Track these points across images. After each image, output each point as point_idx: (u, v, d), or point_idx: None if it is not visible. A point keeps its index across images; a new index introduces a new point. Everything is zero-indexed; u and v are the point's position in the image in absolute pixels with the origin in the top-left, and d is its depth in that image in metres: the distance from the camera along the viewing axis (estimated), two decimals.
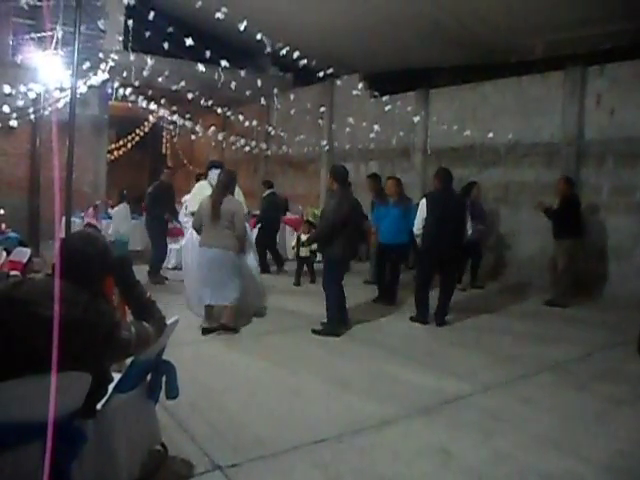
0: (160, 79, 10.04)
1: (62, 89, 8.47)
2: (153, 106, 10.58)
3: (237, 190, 6.17)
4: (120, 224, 8.31)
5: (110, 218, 9.87)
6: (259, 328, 5.75)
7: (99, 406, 2.24)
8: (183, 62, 10.31)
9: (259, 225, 9.18)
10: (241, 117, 10.62)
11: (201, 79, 9.92)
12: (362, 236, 7.10)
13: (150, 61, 8.68)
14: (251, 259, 6.21)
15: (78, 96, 6.42)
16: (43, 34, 9.37)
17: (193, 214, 6.37)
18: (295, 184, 13.24)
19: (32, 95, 8.84)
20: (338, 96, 12.14)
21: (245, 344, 5.21)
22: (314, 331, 5.53)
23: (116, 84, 10.08)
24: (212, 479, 2.74)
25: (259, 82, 9.68)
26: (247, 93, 10.10)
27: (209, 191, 6.26)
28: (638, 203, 7.63)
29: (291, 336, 5.53)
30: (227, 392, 3.92)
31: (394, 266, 7.13)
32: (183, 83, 9.88)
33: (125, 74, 9.97)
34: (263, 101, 10.77)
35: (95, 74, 9.29)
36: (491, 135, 8.95)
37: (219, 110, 10.97)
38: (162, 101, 10.90)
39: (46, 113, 9.39)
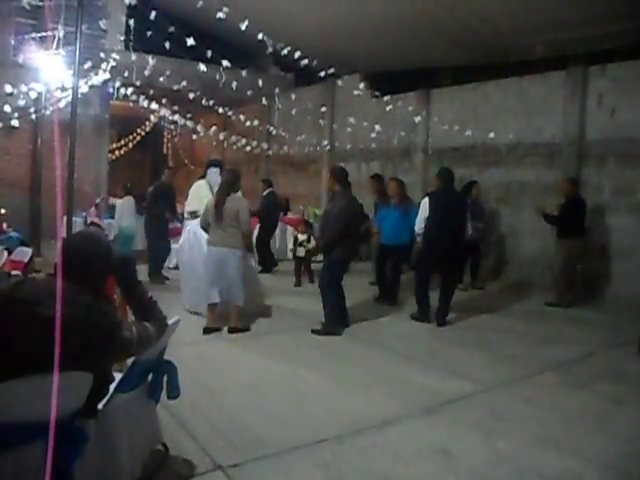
0: (161, 79, 10.05)
1: (63, 89, 8.47)
2: (154, 106, 10.60)
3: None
4: (124, 217, 8.31)
5: (112, 218, 9.87)
6: (260, 328, 5.76)
7: (100, 406, 2.24)
8: (184, 62, 10.31)
9: (259, 225, 9.19)
10: (242, 117, 10.63)
11: (202, 79, 9.92)
12: (363, 236, 7.11)
13: (151, 61, 8.69)
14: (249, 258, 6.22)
15: (79, 96, 6.42)
16: (45, 34, 9.37)
17: (191, 213, 6.39)
18: (296, 184, 13.24)
19: (33, 95, 8.84)
20: (339, 96, 12.14)
21: (246, 344, 5.21)
22: (314, 331, 5.54)
23: (117, 84, 10.09)
24: (213, 479, 2.74)
25: (260, 82, 9.69)
26: (248, 93, 10.10)
27: (206, 190, 6.27)
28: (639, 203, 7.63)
29: (292, 336, 5.53)
30: (228, 392, 3.92)
31: (396, 267, 7.13)
32: (184, 83, 9.89)
33: (126, 74, 9.98)
34: (264, 101, 10.80)
35: (96, 74, 9.30)
36: (492, 135, 8.94)
37: (220, 110, 10.98)
38: (163, 101, 10.91)
39: (47, 113, 9.39)
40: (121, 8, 10.01)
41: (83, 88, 8.22)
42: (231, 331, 5.45)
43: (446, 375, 4.43)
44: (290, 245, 8.66)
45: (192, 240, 6.18)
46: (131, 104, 10.72)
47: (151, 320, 2.33)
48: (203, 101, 10.35)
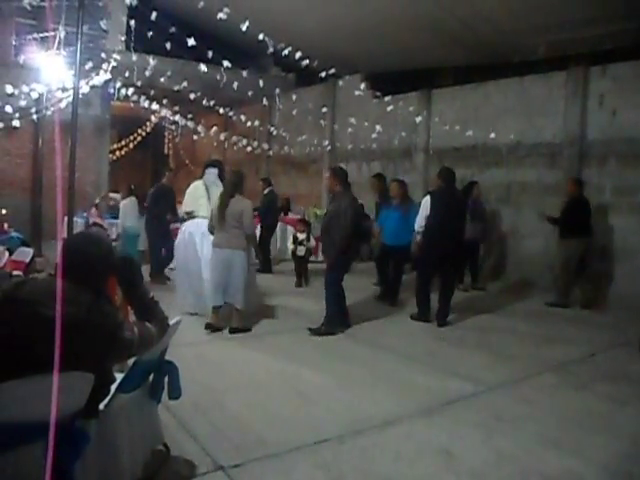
0: (162, 79, 10.06)
1: (64, 89, 8.49)
2: (155, 106, 10.61)
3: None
4: (127, 217, 8.34)
5: (113, 218, 9.88)
6: (261, 328, 5.76)
7: (102, 406, 2.24)
8: (185, 62, 10.34)
9: (259, 224, 9.19)
10: (243, 117, 10.64)
11: (203, 79, 9.93)
12: (364, 236, 7.10)
13: (152, 61, 8.71)
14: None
15: (80, 96, 6.42)
16: (46, 34, 9.39)
17: (187, 214, 6.39)
18: (297, 184, 13.25)
19: (34, 95, 8.86)
20: (340, 96, 12.15)
21: (247, 344, 5.21)
22: (311, 330, 5.53)
23: (118, 84, 10.10)
24: (214, 479, 2.74)
25: (261, 82, 9.69)
26: (249, 93, 10.11)
27: (202, 191, 6.27)
28: None
29: (293, 336, 5.53)
30: (229, 392, 3.92)
31: (397, 267, 7.14)
32: (185, 83, 9.90)
33: (127, 74, 9.99)
34: (265, 101, 10.80)
35: (97, 74, 9.31)
36: (493, 135, 8.94)
37: (221, 110, 10.98)
38: (164, 101, 10.93)
39: (48, 113, 9.40)
40: (122, 8, 10.02)
41: (84, 88, 8.23)
42: (232, 331, 5.46)
43: (447, 375, 4.43)
44: (289, 244, 8.63)
45: (187, 240, 6.19)
46: (132, 104, 10.74)
47: (152, 320, 2.33)
48: (204, 101, 10.36)
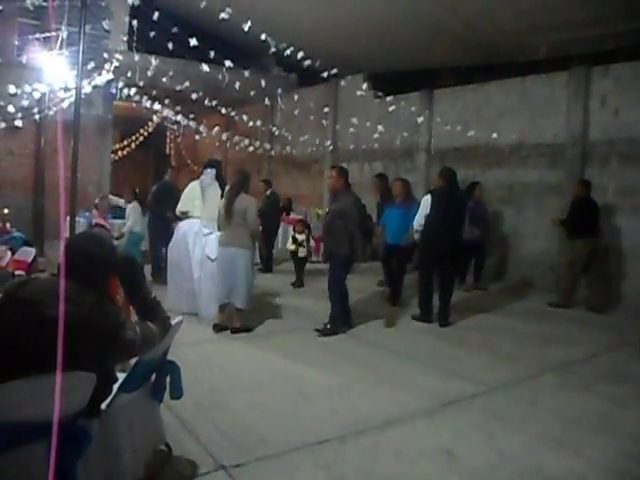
0: (164, 79, 10.06)
1: (67, 89, 8.49)
2: (157, 106, 10.60)
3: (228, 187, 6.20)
4: (133, 221, 8.34)
5: (114, 218, 9.88)
6: (263, 328, 5.76)
7: (104, 406, 2.25)
8: (187, 62, 10.34)
9: (262, 225, 9.19)
10: (245, 117, 10.63)
11: (205, 79, 9.92)
12: (366, 236, 7.10)
13: (154, 61, 8.70)
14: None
15: (83, 96, 6.43)
16: (48, 34, 9.41)
17: (183, 213, 6.41)
18: (299, 184, 13.25)
19: (37, 95, 8.85)
20: (342, 96, 12.15)
21: (249, 344, 5.21)
22: (318, 331, 5.54)
23: (120, 84, 10.10)
24: (216, 479, 2.74)
25: (263, 82, 9.68)
26: (251, 93, 10.09)
27: (198, 191, 6.29)
28: None
29: (295, 336, 5.54)
30: (231, 392, 3.93)
31: (399, 267, 7.13)
32: (187, 83, 9.89)
33: (129, 74, 10.00)
34: (267, 101, 10.77)
35: (100, 74, 9.30)
36: (495, 135, 8.93)
37: (223, 110, 10.97)
38: (166, 101, 10.93)
39: (51, 113, 9.40)
40: (124, 9, 10.01)
41: (86, 88, 8.22)
42: (234, 331, 5.47)
43: (448, 375, 4.43)
44: (289, 245, 8.58)
45: (180, 239, 6.21)
46: (134, 104, 10.73)
47: (154, 320, 2.33)
48: (206, 101, 10.35)
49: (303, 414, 3.58)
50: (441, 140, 10.17)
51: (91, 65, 8.82)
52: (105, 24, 9.87)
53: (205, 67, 8.23)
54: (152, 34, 7.28)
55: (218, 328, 5.51)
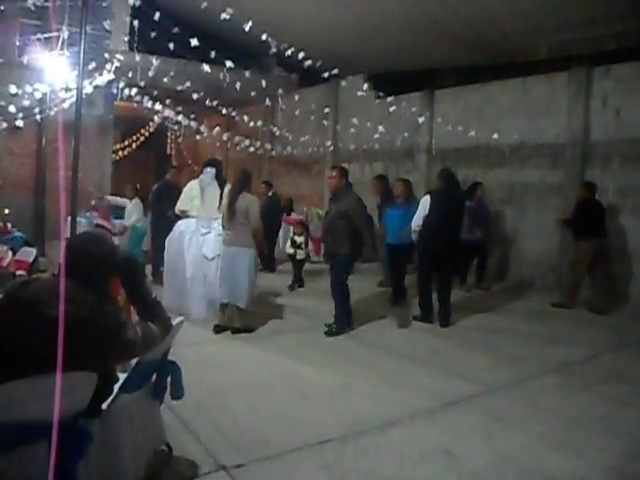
0: (165, 79, 10.06)
1: (68, 89, 8.49)
2: (158, 106, 10.60)
3: (228, 186, 6.20)
4: (134, 218, 8.36)
5: (115, 218, 9.89)
6: (263, 328, 5.76)
7: (105, 406, 2.25)
8: (188, 62, 10.35)
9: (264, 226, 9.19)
10: (246, 117, 10.63)
11: (206, 79, 9.92)
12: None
13: (155, 61, 8.70)
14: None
15: (84, 96, 6.44)
16: (49, 34, 9.42)
17: (182, 212, 6.41)
18: (299, 184, 13.25)
19: (38, 95, 8.86)
20: (343, 97, 12.14)
21: (249, 344, 5.21)
22: (327, 333, 5.54)
23: (121, 84, 10.09)
24: (217, 479, 2.74)
25: (264, 83, 9.68)
26: (252, 93, 10.09)
27: (197, 191, 6.29)
28: None
29: (295, 336, 5.54)
30: (232, 392, 3.93)
31: (399, 267, 7.13)
32: (188, 83, 9.89)
33: (130, 74, 9.99)
34: (268, 101, 10.77)
35: (101, 74, 9.31)
36: (496, 136, 8.93)
37: (224, 110, 10.98)
38: (167, 101, 10.93)
39: (52, 113, 9.41)
40: (125, 9, 10.02)
41: (87, 89, 8.24)
42: (234, 332, 5.47)
43: (449, 376, 4.43)
44: (287, 247, 8.54)
45: (176, 238, 6.21)
46: (135, 105, 10.72)
47: (155, 321, 2.33)
48: (207, 102, 10.36)
49: (304, 414, 3.58)
50: (442, 140, 10.16)
51: (92, 65, 8.82)
52: (106, 24, 9.86)
53: (206, 67, 8.23)
54: (153, 34, 7.29)
55: (219, 329, 5.51)
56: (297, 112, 11.63)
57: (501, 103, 9.24)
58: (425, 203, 6.11)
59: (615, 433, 3.43)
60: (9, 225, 8.25)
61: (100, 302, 2.11)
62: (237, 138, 11.56)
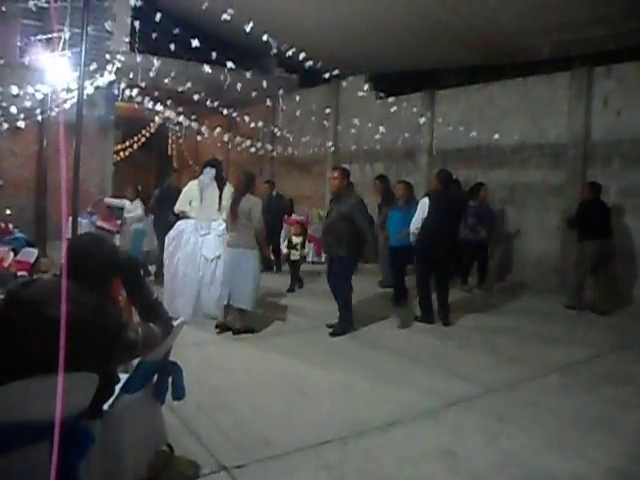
0: (166, 80, 10.06)
1: (69, 90, 8.51)
2: (159, 107, 10.60)
3: (228, 187, 6.20)
4: (135, 218, 8.37)
5: (117, 218, 9.90)
6: (264, 329, 5.76)
7: (106, 407, 2.25)
8: (189, 63, 10.34)
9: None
10: (247, 118, 10.63)
11: (207, 80, 9.92)
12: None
13: (156, 62, 8.70)
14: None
15: (85, 97, 6.44)
16: (50, 35, 9.41)
17: (181, 212, 6.42)
18: (300, 185, 13.25)
19: (39, 96, 8.88)
20: (344, 97, 12.15)
21: (251, 345, 5.21)
22: (332, 334, 5.54)
23: (122, 85, 10.10)
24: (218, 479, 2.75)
25: (265, 83, 9.67)
26: (253, 94, 10.09)
27: (196, 192, 6.30)
28: None
29: (296, 337, 5.54)
30: (233, 393, 3.93)
31: (400, 268, 7.14)
32: (189, 84, 9.89)
33: (131, 75, 9.99)
34: (269, 102, 10.76)
35: (102, 75, 9.33)
36: (497, 136, 8.93)
37: (225, 111, 10.98)
38: (168, 102, 10.92)
39: (53, 114, 9.43)
40: (126, 10, 10.03)
41: (88, 89, 8.25)
42: (235, 332, 5.46)
43: (450, 376, 4.43)
44: (283, 247, 8.52)
45: (174, 237, 6.21)
46: (136, 105, 10.73)
47: (156, 321, 2.33)
48: (208, 102, 10.36)
49: (305, 415, 3.58)
50: (443, 141, 10.16)
51: (93, 66, 8.84)
52: (107, 25, 9.89)
53: (207, 68, 8.24)
54: (154, 35, 7.29)
55: (221, 328, 5.51)
56: (298, 113, 11.64)
57: (502, 103, 9.24)
58: (423, 205, 6.10)
59: (616, 433, 3.43)
60: (10, 226, 8.27)
61: (101, 303, 2.11)
62: (238, 139, 11.56)
